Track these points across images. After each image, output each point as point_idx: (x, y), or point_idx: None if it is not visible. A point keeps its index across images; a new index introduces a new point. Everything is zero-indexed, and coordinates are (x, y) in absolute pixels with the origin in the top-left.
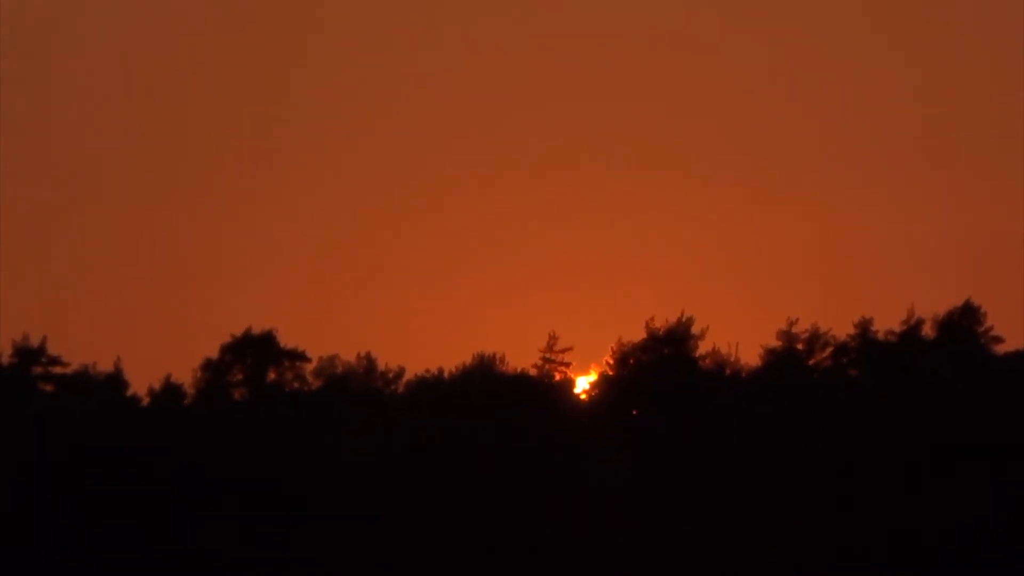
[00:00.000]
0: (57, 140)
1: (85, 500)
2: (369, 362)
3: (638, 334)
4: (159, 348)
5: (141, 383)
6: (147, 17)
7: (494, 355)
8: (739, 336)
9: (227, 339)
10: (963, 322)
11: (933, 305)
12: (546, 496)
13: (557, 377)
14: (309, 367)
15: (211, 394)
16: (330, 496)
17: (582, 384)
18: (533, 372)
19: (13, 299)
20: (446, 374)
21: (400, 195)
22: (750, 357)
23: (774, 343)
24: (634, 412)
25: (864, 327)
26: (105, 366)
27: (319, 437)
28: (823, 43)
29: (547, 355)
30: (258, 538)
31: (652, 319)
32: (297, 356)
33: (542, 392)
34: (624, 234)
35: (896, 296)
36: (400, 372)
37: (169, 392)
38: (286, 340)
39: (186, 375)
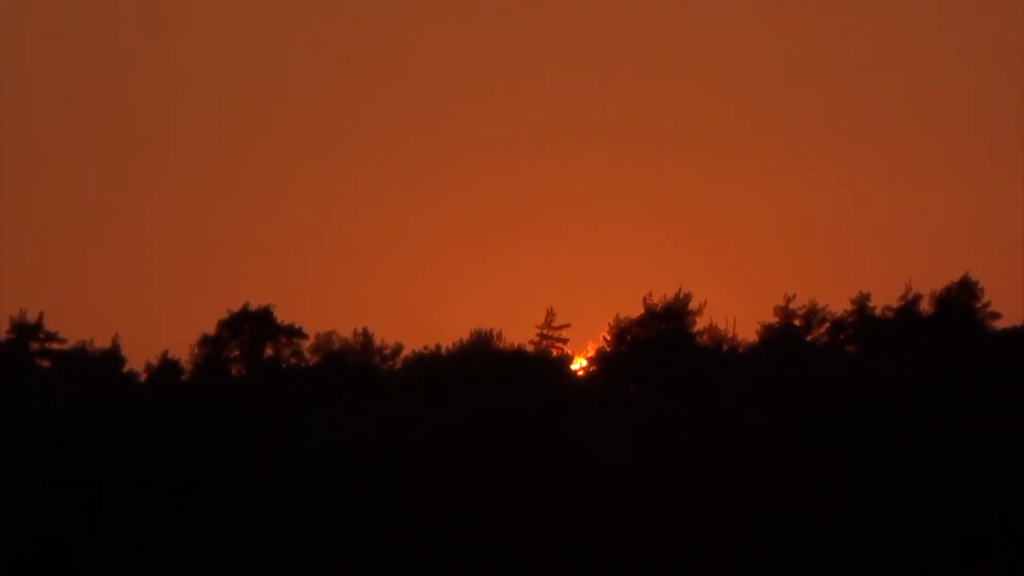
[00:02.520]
0: (53, 116)
1: (82, 477)
2: (366, 338)
3: (636, 310)
4: (156, 324)
5: (138, 359)
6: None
7: (491, 331)
8: (736, 312)
9: (224, 315)
10: (960, 298)
11: (930, 281)
12: (544, 473)
13: (554, 353)
14: (306, 343)
15: (208, 370)
16: (327, 472)
17: (577, 366)
18: (531, 348)
19: (11, 275)
20: (443, 350)
21: (397, 171)
22: (747, 333)
23: (771, 319)
24: (631, 389)
25: (861, 303)
26: (102, 342)
27: (316, 413)
28: (811, 18)
29: (545, 331)
30: (254, 514)
31: (649, 295)
32: (294, 332)
33: (540, 368)
34: (621, 210)
35: (893, 272)
36: (397, 348)
37: (166, 368)
38: (283, 316)
39: (183, 351)
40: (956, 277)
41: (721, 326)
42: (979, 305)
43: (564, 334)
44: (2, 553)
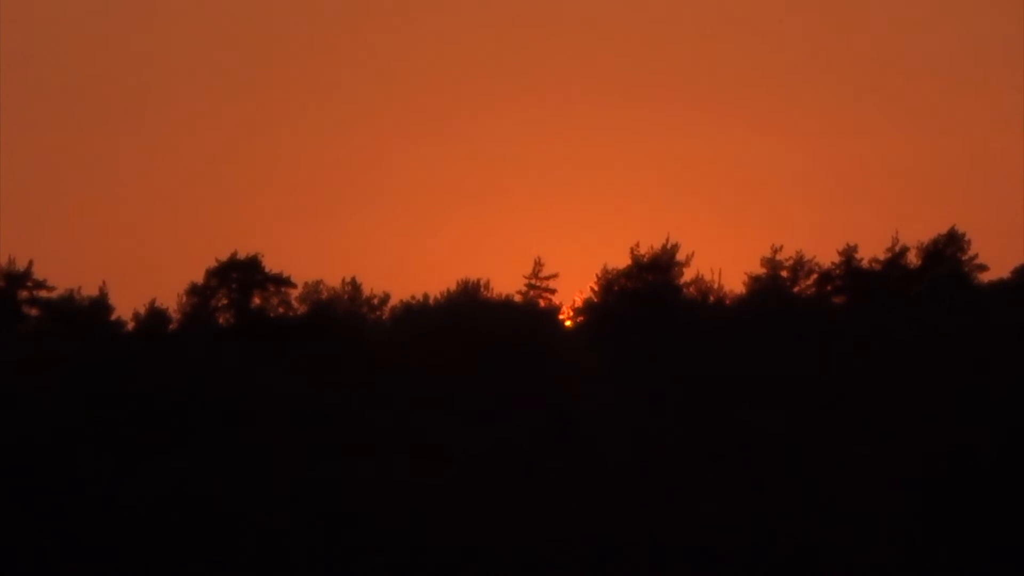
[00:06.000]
0: (41, 62)
1: (69, 425)
2: (354, 288)
3: (624, 260)
4: (144, 273)
5: (126, 308)
6: None
7: (479, 281)
8: (723, 263)
9: (213, 264)
10: (947, 250)
11: (918, 233)
12: (531, 425)
13: (542, 304)
14: (294, 292)
15: (196, 319)
16: (313, 423)
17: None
18: (518, 298)
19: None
20: (431, 300)
21: (386, 119)
22: (734, 284)
23: (758, 270)
24: (619, 340)
25: (849, 254)
26: (90, 290)
27: (304, 363)
28: None
29: (532, 281)
30: (240, 463)
31: (637, 245)
32: (282, 281)
33: (528, 318)
34: (609, 158)
35: (881, 223)
36: (385, 298)
37: (154, 317)
38: (272, 265)
39: (171, 300)
40: (943, 229)
41: (707, 277)
42: (966, 257)
43: (552, 284)
44: None
